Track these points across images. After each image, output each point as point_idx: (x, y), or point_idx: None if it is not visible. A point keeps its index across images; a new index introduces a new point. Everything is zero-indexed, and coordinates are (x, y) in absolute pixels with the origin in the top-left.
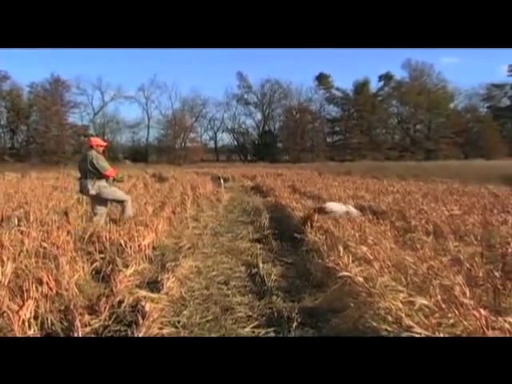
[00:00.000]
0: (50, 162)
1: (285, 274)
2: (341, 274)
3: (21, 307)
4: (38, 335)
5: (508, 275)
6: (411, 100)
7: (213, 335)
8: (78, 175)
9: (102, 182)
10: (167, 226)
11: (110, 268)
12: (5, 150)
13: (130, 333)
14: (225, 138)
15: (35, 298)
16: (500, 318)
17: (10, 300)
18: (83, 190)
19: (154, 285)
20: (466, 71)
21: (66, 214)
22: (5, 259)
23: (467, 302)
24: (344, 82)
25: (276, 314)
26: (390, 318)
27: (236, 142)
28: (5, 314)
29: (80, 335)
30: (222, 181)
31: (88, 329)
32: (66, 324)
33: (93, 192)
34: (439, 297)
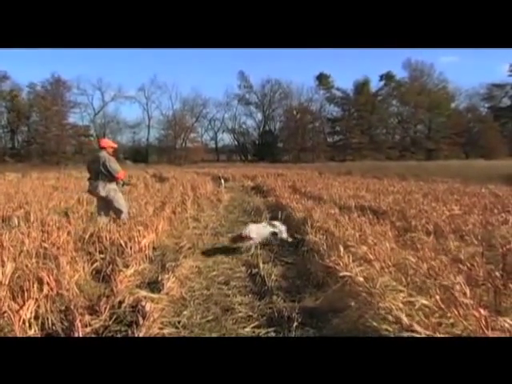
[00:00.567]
0: (50, 163)
1: (285, 274)
2: (341, 274)
3: (21, 307)
4: (39, 335)
5: (509, 275)
6: (411, 100)
7: (213, 335)
8: (87, 175)
9: (113, 185)
10: (167, 226)
11: (110, 268)
12: (5, 151)
13: (130, 333)
14: (225, 138)
15: (36, 298)
16: (500, 318)
17: (10, 300)
18: (93, 191)
19: (154, 285)
20: (465, 70)
21: (66, 214)
22: (5, 259)
23: (467, 301)
24: (344, 82)
25: (276, 314)
26: (390, 318)
27: (236, 142)
28: (5, 314)
29: (80, 335)
30: (222, 181)
31: (88, 329)
32: (66, 324)
33: (103, 193)
34: (439, 297)
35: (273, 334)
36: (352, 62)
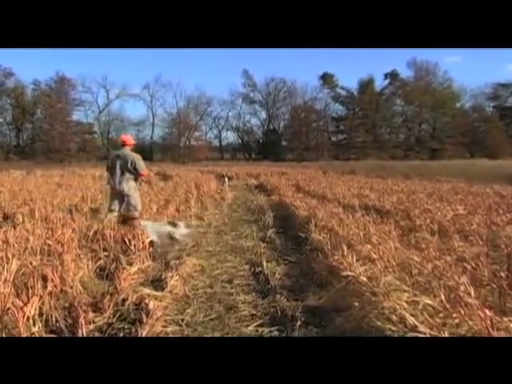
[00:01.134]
0: (54, 160)
1: (288, 273)
2: (345, 273)
3: (25, 304)
4: (43, 332)
5: None
6: (416, 99)
7: (216, 334)
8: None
9: (134, 183)
10: None
11: (114, 266)
12: (10, 148)
13: (133, 331)
14: (229, 137)
15: (40, 295)
16: (505, 319)
17: (14, 297)
18: (115, 186)
19: (157, 283)
20: (469, 70)
21: (70, 211)
22: (10, 256)
23: (472, 302)
24: (349, 81)
25: (280, 313)
26: (394, 318)
27: (240, 141)
28: (10, 311)
29: (84, 333)
30: (226, 179)
31: (92, 326)
32: (70, 321)
33: (126, 190)
34: (444, 297)
35: (276, 333)
36: (356, 61)
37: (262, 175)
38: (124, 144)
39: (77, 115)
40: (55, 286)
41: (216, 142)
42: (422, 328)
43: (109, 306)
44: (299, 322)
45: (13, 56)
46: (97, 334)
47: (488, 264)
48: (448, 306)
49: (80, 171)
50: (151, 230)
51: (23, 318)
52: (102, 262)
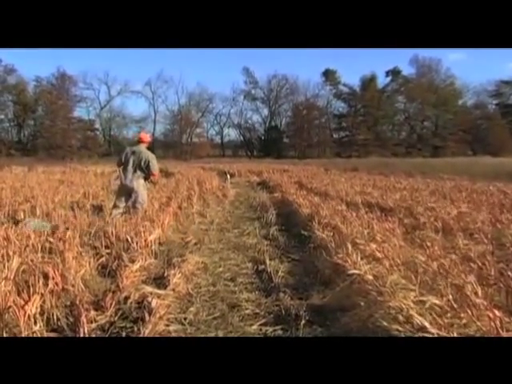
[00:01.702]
0: (56, 156)
1: (292, 271)
2: (350, 271)
3: (26, 302)
4: (44, 331)
5: None
6: (418, 96)
7: (220, 332)
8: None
9: (143, 181)
10: (173, 221)
11: (116, 263)
12: (12, 145)
13: (136, 329)
14: (231, 134)
15: (41, 293)
16: None
17: (15, 295)
18: (124, 181)
19: (160, 281)
20: (472, 67)
21: (72, 208)
22: (11, 254)
23: (479, 301)
24: (351, 78)
25: (284, 312)
26: (400, 318)
27: (242, 138)
28: (11, 309)
29: (86, 331)
30: (228, 176)
31: (94, 325)
32: (71, 320)
33: (135, 187)
34: (451, 296)
35: (280, 332)
36: (359, 58)
37: (263, 172)
38: (141, 141)
39: (78, 112)
40: (56, 284)
41: (218, 139)
42: (430, 328)
43: (111, 304)
44: (303, 321)
45: (14, 52)
46: (99, 333)
47: (494, 263)
48: (455, 305)
49: (82, 168)
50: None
51: (24, 316)
52: (103, 259)
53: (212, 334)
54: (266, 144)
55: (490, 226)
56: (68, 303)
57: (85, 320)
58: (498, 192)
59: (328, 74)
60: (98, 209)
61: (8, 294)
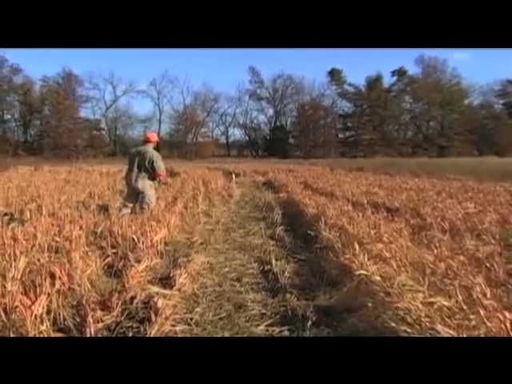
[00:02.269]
0: (61, 156)
1: (298, 272)
2: (358, 272)
3: (33, 302)
4: (51, 331)
5: None
6: (424, 96)
7: (226, 333)
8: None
9: (150, 181)
10: (179, 221)
11: (122, 263)
12: (18, 144)
13: (142, 330)
14: (236, 133)
15: (48, 293)
16: None
17: (22, 295)
18: (131, 182)
19: (166, 281)
20: (478, 67)
21: (78, 208)
22: (18, 253)
23: (489, 303)
24: (357, 78)
25: (290, 312)
26: (409, 319)
27: (247, 138)
28: (18, 309)
29: (92, 331)
30: (233, 176)
31: (100, 325)
32: (78, 320)
33: (140, 187)
34: (460, 297)
35: (287, 333)
36: (364, 58)
37: (269, 172)
38: (147, 141)
39: (84, 112)
40: (63, 284)
41: (223, 139)
42: (440, 329)
43: (117, 304)
44: (310, 322)
45: (20, 52)
46: (105, 333)
47: (502, 264)
48: (464, 307)
49: (87, 167)
50: None
51: (31, 316)
52: (109, 259)
53: (218, 335)
54: (272, 144)
55: (497, 227)
56: (74, 303)
57: (91, 320)
58: (505, 192)
59: (334, 74)
60: (104, 209)
61: (15, 294)
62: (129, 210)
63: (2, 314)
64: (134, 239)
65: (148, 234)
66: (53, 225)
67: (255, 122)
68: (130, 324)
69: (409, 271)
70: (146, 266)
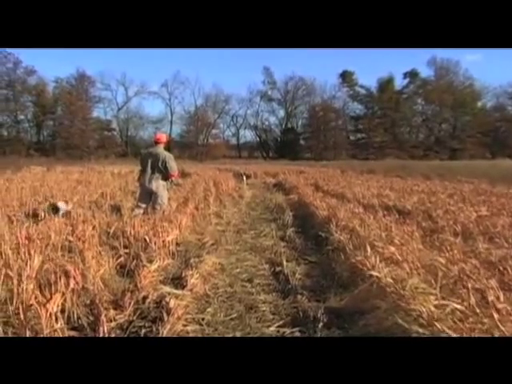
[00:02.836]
0: (74, 156)
1: (309, 273)
2: (370, 273)
3: (48, 300)
4: (65, 329)
5: None
6: (436, 98)
7: (237, 333)
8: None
9: (163, 182)
10: (190, 221)
11: (134, 263)
12: (31, 145)
13: (154, 329)
14: (247, 135)
15: (62, 292)
16: None
17: (38, 293)
18: (144, 183)
19: (177, 281)
20: (491, 68)
21: (90, 208)
22: (32, 252)
23: (502, 306)
24: (368, 80)
25: (301, 314)
26: (422, 322)
27: (258, 139)
28: (33, 307)
29: (106, 330)
30: (244, 177)
31: (113, 324)
32: (91, 318)
33: (154, 188)
34: (473, 300)
35: (298, 334)
36: (376, 59)
37: (280, 174)
38: (157, 142)
39: (96, 112)
40: (77, 283)
41: (234, 140)
42: (451, 333)
43: (129, 303)
44: (321, 324)
45: (34, 53)
46: (118, 332)
47: None
48: (477, 310)
49: (99, 168)
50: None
51: (46, 314)
52: (122, 259)
53: (229, 335)
54: (282, 145)
55: (510, 230)
56: (88, 302)
57: (104, 319)
58: None
59: (345, 76)
60: (116, 209)
61: (30, 292)
62: (141, 211)
63: (21, 312)
64: (146, 239)
65: (160, 235)
66: (66, 224)
67: (266, 123)
68: (143, 323)
69: (421, 274)
70: (158, 266)
